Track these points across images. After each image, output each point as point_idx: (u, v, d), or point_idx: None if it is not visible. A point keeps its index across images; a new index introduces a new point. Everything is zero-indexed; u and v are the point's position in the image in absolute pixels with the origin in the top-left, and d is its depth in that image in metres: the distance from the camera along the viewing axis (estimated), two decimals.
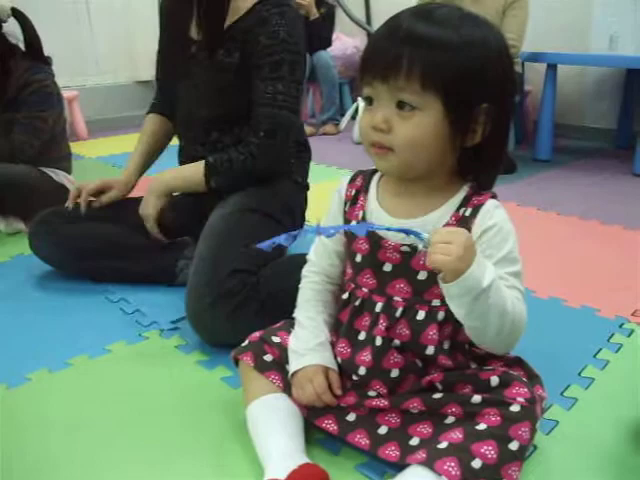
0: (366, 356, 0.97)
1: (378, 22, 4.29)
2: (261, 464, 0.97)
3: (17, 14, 2.15)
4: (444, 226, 0.92)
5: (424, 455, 0.88)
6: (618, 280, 1.74)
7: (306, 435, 1.02)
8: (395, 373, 0.97)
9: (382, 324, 0.96)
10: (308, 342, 1.02)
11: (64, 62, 3.31)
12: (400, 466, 0.92)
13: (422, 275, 0.94)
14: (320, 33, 3.85)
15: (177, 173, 1.63)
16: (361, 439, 0.98)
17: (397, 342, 0.95)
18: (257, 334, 1.10)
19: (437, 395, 0.95)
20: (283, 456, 0.95)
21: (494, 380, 0.93)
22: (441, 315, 0.94)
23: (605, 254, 1.95)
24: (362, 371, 0.98)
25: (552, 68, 3.16)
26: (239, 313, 1.31)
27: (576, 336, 1.43)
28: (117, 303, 1.60)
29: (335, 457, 1.02)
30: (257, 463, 0.98)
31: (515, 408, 0.88)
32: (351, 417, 1.00)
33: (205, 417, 1.14)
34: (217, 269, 1.34)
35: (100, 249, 1.62)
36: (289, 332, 1.08)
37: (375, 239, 0.96)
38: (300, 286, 1.10)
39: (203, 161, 1.54)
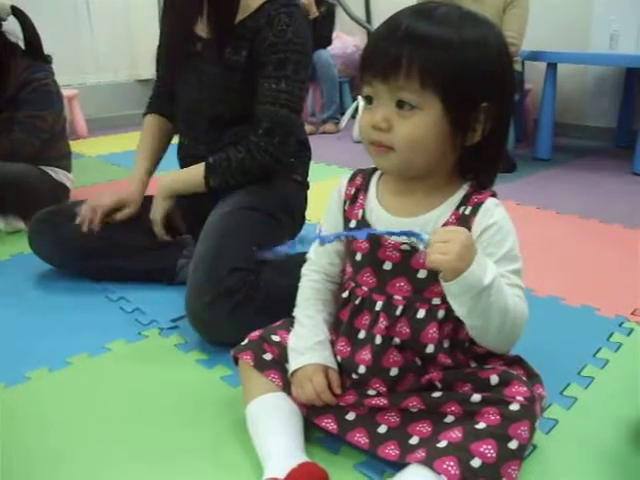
0: (366, 355, 0.97)
1: (378, 21, 4.29)
2: (261, 463, 0.97)
3: (17, 12, 2.15)
4: (444, 225, 0.92)
5: (423, 454, 0.88)
6: (618, 279, 1.74)
7: (306, 434, 1.02)
8: (395, 372, 0.97)
9: (382, 323, 0.96)
10: (308, 341, 1.02)
11: (64, 60, 3.31)
12: (399, 465, 0.92)
13: (422, 273, 0.94)
14: (320, 32, 3.85)
15: (178, 176, 1.63)
16: (360, 438, 0.98)
17: (397, 340, 0.95)
18: (257, 333, 1.10)
19: (436, 394, 0.95)
20: (283, 455, 0.95)
21: (494, 379, 0.93)
22: (441, 313, 0.94)
23: (605, 253, 1.95)
24: (362, 370, 0.98)
25: (552, 67, 3.16)
26: (239, 311, 1.31)
27: (576, 335, 1.43)
28: (117, 302, 1.60)
29: (334, 456, 1.02)
30: (257, 462, 0.98)
31: (514, 407, 0.88)
32: (350, 416, 1.00)
33: (205, 416, 1.14)
34: (217, 267, 1.34)
35: (100, 248, 1.61)
36: (289, 331, 1.08)
37: (375, 238, 0.96)
38: (300, 285, 1.10)
39: (204, 162, 1.55)
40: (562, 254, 1.94)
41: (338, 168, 3.02)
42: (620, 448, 1.06)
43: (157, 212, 1.60)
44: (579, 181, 2.87)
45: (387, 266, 0.96)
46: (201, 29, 1.59)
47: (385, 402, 0.98)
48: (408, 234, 0.86)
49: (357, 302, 0.99)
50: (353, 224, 1.00)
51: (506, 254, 0.90)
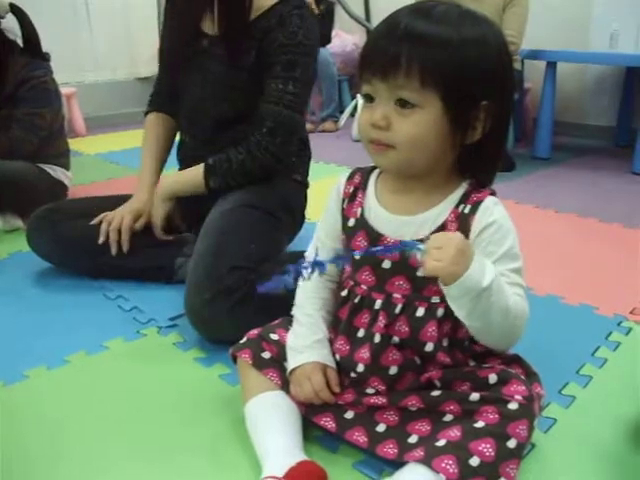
0: (364, 353, 0.97)
1: (377, 19, 4.28)
2: (259, 461, 0.97)
3: (15, 10, 2.15)
4: (444, 223, 0.92)
5: (422, 453, 0.87)
6: (617, 278, 1.74)
7: (304, 432, 1.02)
8: (394, 370, 0.97)
9: (381, 321, 0.96)
10: (306, 339, 1.02)
11: (62, 58, 3.30)
12: (398, 464, 0.92)
13: (421, 272, 0.93)
14: (320, 30, 3.84)
15: (178, 177, 1.63)
16: (359, 437, 0.98)
17: (396, 339, 0.95)
18: (255, 331, 1.10)
19: (435, 393, 0.95)
20: (281, 453, 0.95)
21: (492, 378, 0.93)
22: (440, 312, 0.94)
23: (604, 252, 1.95)
24: (360, 368, 0.98)
25: (552, 66, 3.16)
26: (238, 309, 1.31)
27: (574, 334, 1.43)
28: (115, 300, 1.60)
29: (333, 454, 1.02)
30: (255, 460, 0.98)
31: (513, 406, 0.88)
32: (349, 415, 1.00)
33: (203, 414, 1.14)
34: (217, 265, 1.34)
35: (99, 246, 1.61)
36: (287, 329, 1.08)
37: (374, 236, 0.96)
38: (298, 283, 1.09)
39: (203, 164, 1.54)
40: (561, 253, 1.94)
41: (337, 166, 3.02)
42: (618, 447, 1.06)
43: (157, 215, 1.60)
44: (578, 180, 2.87)
45: (386, 264, 0.96)
46: (208, 26, 1.58)
47: (384, 401, 0.98)
48: (404, 245, 0.86)
49: (356, 301, 0.99)
50: (352, 222, 1.00)
51: (506, 252, 0.90)
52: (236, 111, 1.57)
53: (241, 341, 1.10)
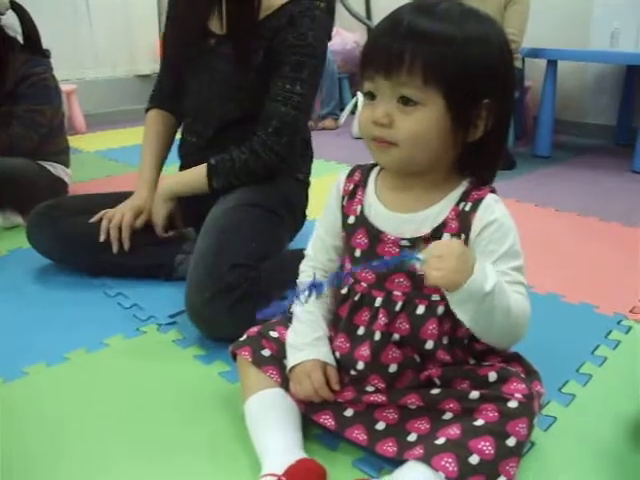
0: (364, 351, 0.97)
1: (378, 17, 4.28)
2: (259, 459, 0.97)
3: (15, 6, 2.14)
4: (444, 220, 0.92)
5: (421, 451, 0.87)
6: (617, 277, 1.74)
7: (304, 430, 1.02)
8: (393, 368, 0.97)
9: (382, 319, 0.95)
10: (306, 337, 1.02)
11: (62, 55, 3.29)
12: (397, 462, 0.92)
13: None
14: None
15: (180, 178, 1.63)
16: (359, 434, 0.98)
17: (396, 337, 0.95)
18: (255, 329, 1.10)
19: (435, 391, 0.95)
20: (281, 451, 0.95)
21: (492, 376, 0.93)
22: (441, 309, 0.93)
23: (604, 251, 1.95)
24: (360, 366, 0.98)
25: (552, 64, 3.16)
26: (239, 307, 1.31)
27: (574, 332, 1.43)
28: (115, 297, 1.60)
29: (333, 452, 1.02)
30: (255, 458, 0.98)
31: (513, 404, 0.88)
32: (349, 412, 1.00)
33: (203, 412, 1.14)
34: (218, 263, 1.33)
35: (99, 243, 1.60)
36: (287, 327, 1.08)
37: (374, 233, 0.96)
38: (298, 281, 1.09)
39: (205, 164, 1.54)
40: (561, 252, 1.94)
41: (337, 164, 3.02)
42: (618, 445, 1.06)
43: (158, 215, 1.60)
44: (578, 179, 2.86)
45: None
46: (215, 25, 1.57)
47: (383, 399, 0.98)
48: (402, 258, 0.87)
49: (356, 298, 0.99)
50: (351, 220, 1.00)
51: (507, 251, 0.90)
52: (242, 111, 1.57)
53: (241, 339, 1.10)
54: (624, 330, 1.44)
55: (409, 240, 0.94)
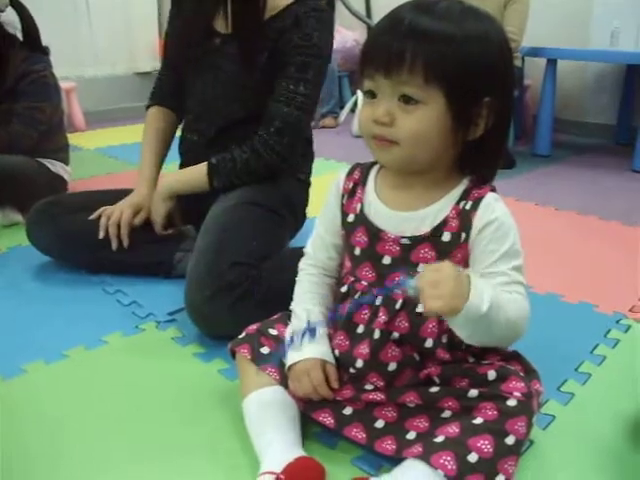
0: (364, 349, 0.97)
1: (378, 15, 4.28)
2: (257, 457, 0.97)
3: (15, 3, 2.14)
4: (445, 219, 0.92)
5: (420, 449, 0.87)
6: (616, 276, 1.74)
7: (303, 428, 1.02)
8: (393, 366, 0.97)
9: (381, 317, 0.95)
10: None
11: (62, 52, 3.29)
12: (396, 460, 0.92)
13: (422, 268, 0.93)
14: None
15: (180, 176, 1.62)
16: (358, 433, 0.98)
17: (396, 335, 0.95)
18: (254, 326, 1.10)
19: (434, 389, 0.95)
20: (279, 449, 0.95)
21: (491, 374, 0.93)
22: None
23: (603, 250, 1.95)
24: (359, 364, 0.98)
25: (552, 63, 3.16)
26: (239, 306, 1.31)
27: (573, 331, 1.43)
28: (114, 295, 1.60)
29: (331, 450, 1.02)
30: (253, 456, 0.98)
31: (512, 402, 0.88)
32: (348, 411, 1.00)
33: (202, 409, 1.14)
34: (218, 261, 1.33)
35: (98, 240, 1.60)
36: (286, 324, 1.08)
37: (374, 232, 0.96)
38: (297, 279, 1.09)
39: (206, 163, 1.54)
40: (560, 251, 1.94)
41: (336, 162, 3.01)
42: (617, 444, 1.06)
43: (157, 213, 1.59)
44: (578, 178, 2.86)
45: (386, 260, 0.96)
46: (220, 24, 1.57)
47: (382, 397, 0.97)
48: (394, 288, 0.88)
49: (356, 297, 0.99)
50: (351, 218, 1.00)
51: (508, 250, 0.90)
52: (247, 111, 1.57)
53: (240, 336, 1.10)
54: (623, 329, 1.44)
55: (409, 238, 0.93)
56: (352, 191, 1.01)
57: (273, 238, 1.51)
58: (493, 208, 0.91)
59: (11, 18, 2.16)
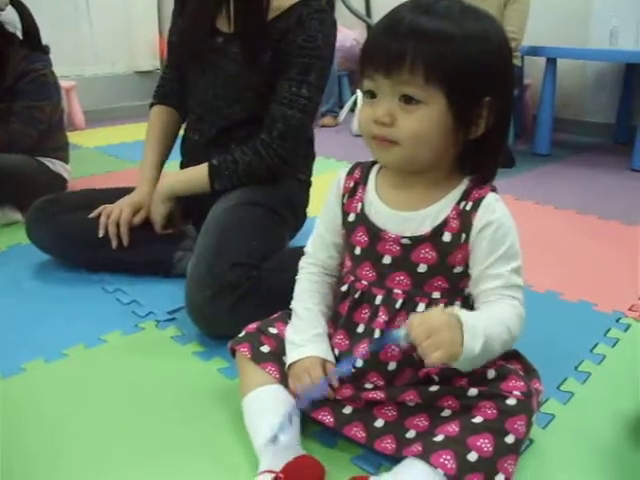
0: (364, 348, 0.97)
1: (378, 15, 4.28)
2: (257, 455, 0.97)
3: (15, 2, 2.14)
4: (445, 219, 0.92)
5: (420, 448, 0.88)
6: (615, 275, 1.74)
7: (302, 427, 1.02)
8: (392, 366, 0.97)
9: (382, 317, 0.96)
10: (305, 333, 1.02)
11: (62, 51, 3.30)
12: (396, 459, 0.92)
13: (422, 268, 0.94)
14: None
15: (181, 176, 1.62)
16: (357, 432, 0.98)
17: None
18: (254, 325, 1.10)
19: (433, 388, 0.95)
20: (279, 448, 0.94)
21: (491, 373, 0.93)
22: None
23: (603, 249, 1.95)
24: (359, 363, 0.98)
25: (552, 62, 3.16)
26: (240, 306, 1.30)
27: (573, 330, 1.43)
28: (113, 293, 1.60)
29: (331, 449, 1.02)
30: (253, 454, 0.98)
31: (511, 401, 0.88)
32: (347, 410, 1.00)
33: (201, 408, 1.14)
34: (219, 262, 1.33)
35: (98, 238, 1.60)
36: (286, 323, 1.08)
37: (374, 231, 0.96)
38: (297, 278, 1.09)
39: (207, 163, 1.54)
40: (560, 249, 1.94)
41: (336, 161, 3.02)
42: (617, 443, 1.06)
43: (157, 213, 1.59)
44: (578, 177, 2.86)
45: (386, 260, 0.96)
46: (222, 24, 1.56)
47: (382, 396, 0.97)
48: (383, 343, 0.90)
49: (356, 296, 0.99)
50: (352, 218, 1.00)
51: (506, 252, 0.90)
52: (249, 112, 1.57)
53: (240, 335, 1.10)
54: (623, 328, 1.44)
55: (410, 238, 0.93)
56: (353, 190, 1.01)
57: (273, 238, 1.51)
58: (493, 209, 0.91)
59: (11, 17, 2.16)
